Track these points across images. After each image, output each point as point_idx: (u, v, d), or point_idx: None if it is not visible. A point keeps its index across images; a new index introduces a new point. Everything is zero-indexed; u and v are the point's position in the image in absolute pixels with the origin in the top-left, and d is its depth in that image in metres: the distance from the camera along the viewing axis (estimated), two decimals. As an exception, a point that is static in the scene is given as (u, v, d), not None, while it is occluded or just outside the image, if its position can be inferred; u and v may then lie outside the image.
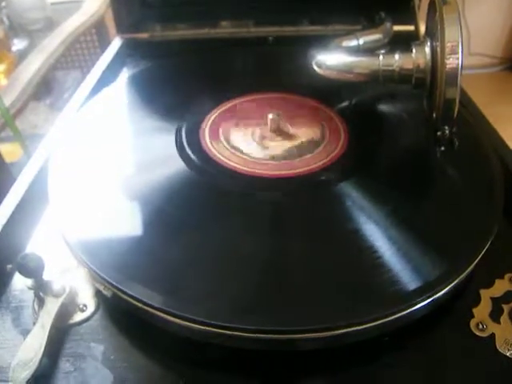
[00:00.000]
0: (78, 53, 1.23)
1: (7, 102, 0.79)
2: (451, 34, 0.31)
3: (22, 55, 0.94)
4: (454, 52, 0.31)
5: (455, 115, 0.34)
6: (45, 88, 1.09)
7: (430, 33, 0.36)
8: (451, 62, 0.32)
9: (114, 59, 0.56)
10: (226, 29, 0.61)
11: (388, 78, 0.37)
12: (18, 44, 0.98)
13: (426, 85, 0.36)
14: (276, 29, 0.60)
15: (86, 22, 1.07)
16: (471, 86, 0.50)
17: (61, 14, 1.08)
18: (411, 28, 0.51)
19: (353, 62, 0.38)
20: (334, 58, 0.38)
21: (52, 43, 0.96)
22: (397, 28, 0.48)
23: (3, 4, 1.00)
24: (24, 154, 0.90)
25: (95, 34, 1.19)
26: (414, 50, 0.36)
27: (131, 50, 0.60)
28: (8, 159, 0.84)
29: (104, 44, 1.13)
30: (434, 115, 0.35)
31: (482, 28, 1.45)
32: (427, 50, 0.35)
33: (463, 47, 0.31)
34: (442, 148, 0.36)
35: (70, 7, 1.12)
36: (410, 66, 0.36)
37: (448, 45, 0.31)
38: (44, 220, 0.37)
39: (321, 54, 0.39)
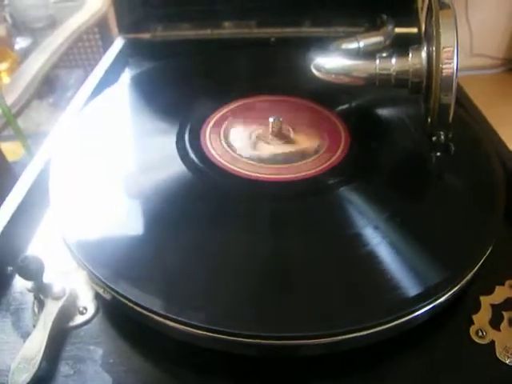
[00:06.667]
0: (80, 51, 1.23)
1: (9, 100, 0.78)
2: (447, 39, 0.31)
3: (25, 54, 0.93)
4: (449, 57, 0.31)
5: (450, 121, 0.33)
6: (47, 86, 1.09)
7: (427, 37, 0.35)
8: (446, 67, 0.31)
9: (116, 59, 0.56)
10: (228, 29, 0.61)
11: (385, 82, 0.36)
12: (20, 42, 0.98)
13: (422, 89, 0.36)
14: (278, 30, 0.60)
15: (89, 21, 1.06)
16: (472, 87, 0.50)
17: (63, 12, 1.08)
18: (414, 30, 0.51)
19: (350, 65, 0.37)
20: (332, 62, 0.38)
21: (55, 42, 0.95)
22: (400, 30, 0.48)
23: (6, 2, 1.00)
24: (26, 153, 0.90)
25: (98, 32, 1.19)
26: (410, 55, 0.35)
27: (133, 50, 0.60)
28: (10, 158, 0.84)
29: (107, 42, 1.13)
30: (429, 120, 0.35)
31: (484, 29, 1.45)
32: (423, 54, 0.34)
33: (459, 51, 0.31)
34: (438, 153, 0.36)
35: (72, 5, 1.12)
36: (407, 71, 0.35)
37: (444, 50, 0.31)
38: (45, 222, 0.37)
39: (319, 57, 0.39)
